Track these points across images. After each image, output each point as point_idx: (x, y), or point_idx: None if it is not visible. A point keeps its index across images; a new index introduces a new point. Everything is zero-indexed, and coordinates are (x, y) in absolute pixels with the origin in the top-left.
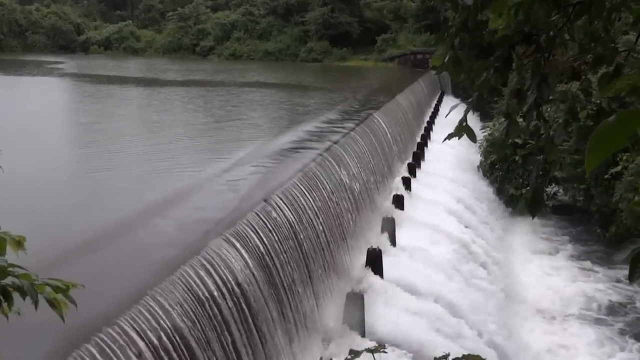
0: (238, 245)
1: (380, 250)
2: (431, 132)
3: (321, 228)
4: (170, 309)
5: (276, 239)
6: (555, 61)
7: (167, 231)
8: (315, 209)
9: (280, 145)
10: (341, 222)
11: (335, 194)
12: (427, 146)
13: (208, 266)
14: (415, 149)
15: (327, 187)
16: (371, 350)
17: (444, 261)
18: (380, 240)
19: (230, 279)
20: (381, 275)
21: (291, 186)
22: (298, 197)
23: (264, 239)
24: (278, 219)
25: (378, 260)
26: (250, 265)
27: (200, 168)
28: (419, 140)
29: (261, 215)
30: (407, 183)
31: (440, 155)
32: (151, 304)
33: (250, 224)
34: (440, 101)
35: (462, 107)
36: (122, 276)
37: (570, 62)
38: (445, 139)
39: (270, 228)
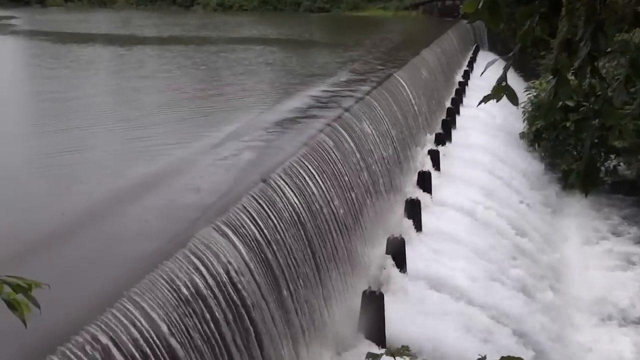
0: (231, 235)
1: (403, 240)
2: (464, 95)
3: (331, 213)
4: (150, 312)
5: (277, 226)
6: (613, 4)
7: (146, 220)
8: (324, 189)
9: (281, 114)
10: (356, 205)
11: (348, 172)
12: (458, 112)
13: (196, 261)
14: (444, 116)
15: (338, 163)
16: (393, 354)
17: (480, 251)
18: (402, 227)
19: (223, 276)
20: (404, 269)
21: (295, 163)
22: (303, 176)
23: (263, 227)
24: (279, 202)
25: (400, 252)
26: (247, 258)
27: (185, 144)
28: (449, 105)
29: (259, 199)
30: (435, 158)
31: (475, 122)
32: (128, 306)
33: (246, 209)
34: (474, 57)
35: (500, 64)
36: (94, 274)
37: (633, 5)
38: (480, 103)
39: (270, 214)
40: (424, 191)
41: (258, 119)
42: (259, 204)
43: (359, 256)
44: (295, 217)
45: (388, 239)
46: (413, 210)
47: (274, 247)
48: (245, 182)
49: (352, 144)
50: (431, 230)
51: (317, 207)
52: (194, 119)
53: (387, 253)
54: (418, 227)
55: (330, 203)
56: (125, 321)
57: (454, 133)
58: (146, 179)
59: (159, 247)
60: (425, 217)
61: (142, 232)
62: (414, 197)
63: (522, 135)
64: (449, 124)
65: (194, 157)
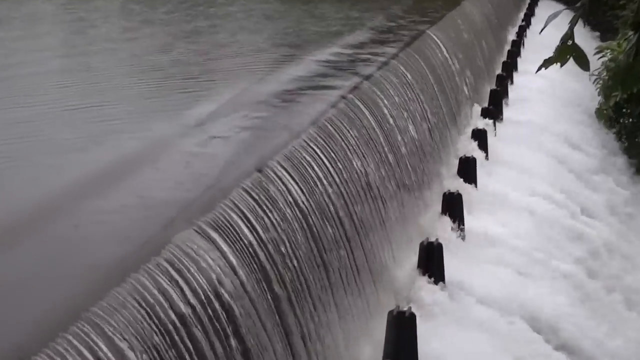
0: (218, 239)
1: (440, 245)
2: (518, 59)
3: (346, 211)
4: (115, 339)
5: (277, 227)
6: None
7: (111, 220)
8: (337, 181)
9: (281, 84)
10: (378, 202)
11: (368, 159)
12: (512, 81)
13: (173, 272)
14: (494, 85)
15: (355, 148)
16: None
17: (538, 261)
18: (439, 227)
19: (209, 293)
20: (439, 281)
21: (299, 147)
22: (310, 163)
23: (258, 229)
24: (279, 197)
25: (435, 259)
26: (238, 269)
27: (158, 123)
28: (499, 71)
29: (253, 193)
30: (481, 139)
31: (534, 93)
32: (87, 331)
33: (237, 206)
34: (532, 8)
35: (567, 16)
36: (45, 291)
37: None
38: (540, 68)
39: (268, 212)
40: (466, 182)
41: (251, 91)
42: (254, 199)
43: (382, 267)
44: (300, 216)
45: (420, 245)
46: (452, 207)
47: (273, 252)
48: (236, 171)
49: (373, 122)
50: (475, 234)
51: (328, 203)
52: (169, 92)
53: (418, 266)
54: (458, 227)
55: (345, 199)
56: (82, 349)
57: (506, 107)
58: (109, 169)
59: (125, 256)
60: (468, 217)
61: (104, 236)
62: (453, 190)
63: (598, 111)
64: (499, 95)
65: (170, 140)
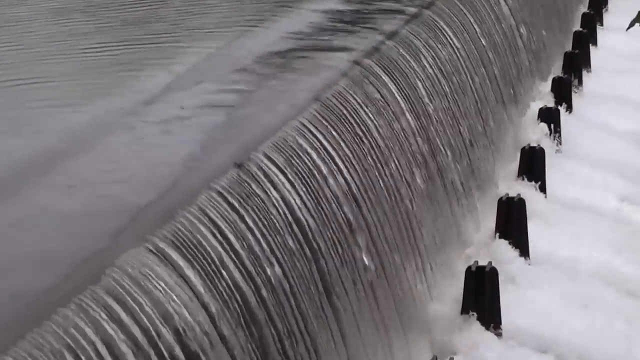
0: (180, 260)
1: (494, 271)
2: (604, 10)
3: (360, 221)
4: None
5: (263, 244)
6: None
7: (30, 236)
8: (348, 181)
9: (270, 44)
10: (404, 210)
11: (391, 151)
12: (595, 42)
13: (115, 306)
14: (569, 48)
15: (373, 134)
16: None
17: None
18: (493, 252)
19: (164, 333)
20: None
21: (294, 133)
22: (310, 156)
23: (237, 247)
24: (267, 203)
25: (486, 300)
26: (207, 301)
27: (95, 102)
28: (576, 28)
29: (229, 197)
30: (551, 122)
31: (627, 59)
32: None
33: (206, 215)
34: None
35: None
36: None
37: None
38: (633, 24)
39: (250, 223)
40: (531, 181)
41: (226, 54)
42: (231, 206)
43: (411, 300)
44: (295, 226)
45: (467, 271)
46: (511, 217)
47: (258, 282)
48: (205, 167)
49: (399, 98)
50: (544, 255)
51: (335, 212)
52: (114, 54)
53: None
54: (520, 248)
55: (359, 206)
56: None
57: (587, 77)
58: (31, 166)
59: (50, 285)
60: (533, 229)
61: (21, 258)
62: (513, 193)
63: None
64: (577, 60)
65: (112, 124)
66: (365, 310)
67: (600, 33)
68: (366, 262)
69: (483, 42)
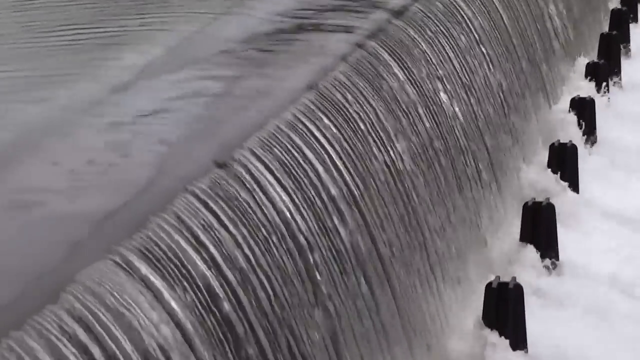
0: (152, 275)
1: (519, 287)
2: None
3: (364, 235)
4: None
5: (251, 259)
6: None
7: None
8: (349, 183)
9: (256, 23)
10: (417, 217)
11: (398, 147)
12: (637, 18)
13: (78, 330)
14: (605, 28)
15: (378, 128)
16: None
17: None
18: (517, 265)
19: (134, 355)
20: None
21: (286, 127)
22: (304, 154)
23: (219, 261)
24: (256, 209)
25: (510, 319)
26: (185, 325)
27: (55, 90)
28: (616, 4)
29: (210, 202)
30: (585, 114)
31: None
32: None
33: (183, 223)
34: None
35: None
36: None
37: None
38: None
39: (236, 234)
40: (563, 180)
41: (210, 35)
42: (212, 212)
43: (426, 331)
44: (286, 235)
45: (487, 289)
46: (540, 226)
47: (240, 296)
48: (182, 167)
49: (408, 86)
50: (576, 267)
51: (336, 221)
52: (79, 39)
53: (483, 317)
54: (550, 264)
55: (362, 214)
56: None
57: (626, 62)
58: None
59: (3, 303)
60: (564, 239)
61: None
62: (540, 197)
63: None
64: (615, 42)
65: (77, 115)
66: (367, 326)
67: None
68: (370, 277)
69: (506, 21)
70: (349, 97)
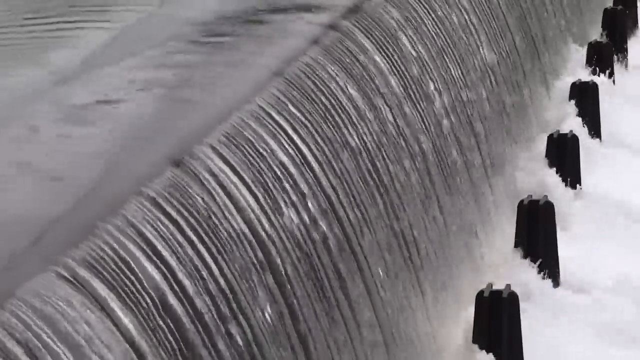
0: (100, 287)
1: (514, 296)
2: None
3: (335, 232)
4: None
5: (214, 273)
6: None
7: None
8: (324, 186)
9: (216, 4)
10: (400, 222)
11: (377, 138)
12: None
13: (17, 350)
14: (610, 3)
15: (355, 120)
16: None
17: None
18: (510, 272)
19: None
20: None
21: (251, 120)
22: (273, 150)
23: (179, 275)
24: (214, 210)
25: (504, 336)
26: (137, 337)
27: None
28: None
29: (166, 206)
30: (587, 101)
31: None
32: None
33: (137, 230)
34: None
35: None
36: None
37: None
38: None
39: (197, 242)
40: (561, 177)
41: (164, 16)
42: (167, 215)
43: (406, 329)
44: (253, 241)
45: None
46: (535, 225)
47: (202, 311)
48: (135, 166)
49: (387, 72)
50: (570, 281)
51: (303, 219)
52: (20, 24)
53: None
54: (547, 273)
55: (334, 211)
56: None
57: (633, 42)
58: None
59: None
60: (563, 242)
61: None
62: (537, 193)
63: None
64: (621, 20)
65: (15, 109)
66: (341, 340)
67: None
68: (350, 291)
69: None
70: (321, 84)
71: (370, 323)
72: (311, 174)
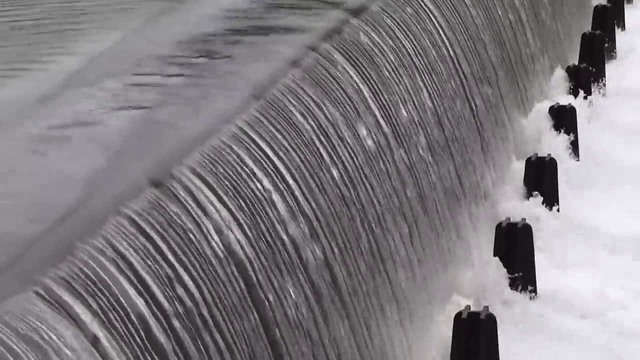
0: (79, 307)
1: (492, 319)
2: None
3: (315, 254)
4: None
5: (193, 293)
6: None
7: None
8: (305, 209)
9: (196, 24)
10: (369, 238)
11: (356, 163)
12: (622, 20)
13: None
14: (588, 27)
15: (334, 143)
16: None
17: None
18: (490, 296)
19: None
20: None
21: (230, 140)
22: (253, 172)
23: (159, 297)
24: (193, 231)
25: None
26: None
27: None
28: (601, 0)
29: (146, 226)
30: (566, 124)
31: None
32: None
33: (116, 250)
34: None
35: None
36: None
37: None
38: None
39: (175, 263)
40: (544, 203)
41: (144, 37)
42: (146, 235)
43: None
44: (231, 263)
45: (457, 316)
46: (512, 247)
47: (181, 334)
48: (114, 186)
49: (366, 94)
50: (552, 300)
51: (282, 240)
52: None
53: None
54: (525, 286)
55: (315, 233)
56: None
57: (611, 65)
58: None
59: None
60: (542, 264)
61: None
62: (515, 216)
63: None
64: (599, 44)
65: None
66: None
67: (629, 9)
68: (322, 300)
69: (477, 20)
70: (301, 107)
71: (346, 334)
72: (291, 196)
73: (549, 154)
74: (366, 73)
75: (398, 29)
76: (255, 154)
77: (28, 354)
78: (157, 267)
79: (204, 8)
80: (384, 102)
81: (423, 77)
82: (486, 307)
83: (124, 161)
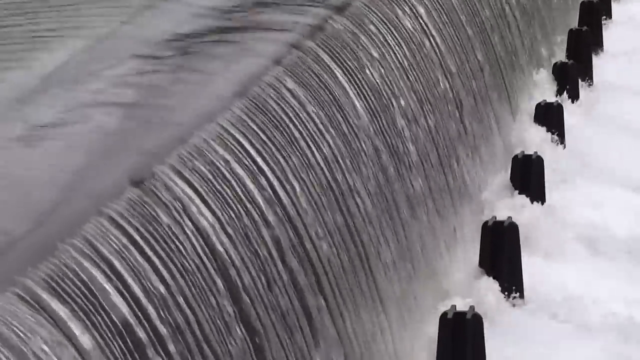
0: (60, 308)
1: (478, 320)
2: None
3: (299, 255)
4: None
5: (175, 295)
6: None
7: None
8: (287, 207)
9: (178, 22)
10: (354, 237)
11: (340, 161)
12: (609, 13)
13: None
14: (575, 24)
15: (319, 141)
16: None
17: None
18: (476, 296)
19: None
20: None
21: (213, 140)
22: (235, 172)
23: (140, 297)
24: (175, 231)
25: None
26: None
27: None
28: None
29: (127, 226)
30: (552, 123)
31: None
32: None
33: (96, 250)
34: None
35: None
36: None
37: None
38: None
39: (155, 257)
40: (525, 198)
41: (125, 35)
42: (127, 235)
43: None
44: (214, 263)
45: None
46: (499, 247)
47: (163, 334)
48: (95, 185)
49: (350, 91)
50: (540, 300)
51: (265, 241)
52: None
53: None
54: (509, 293)
55: (297, 232)
56: None
57: (598, 62)
58: None
59: None
60: (528, 264)
61: None
62: (500, 217)
63: None
64: (586, 40)
65: None
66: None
67: (616, 3)
68: (308, 300)
69: (462, 16)
70: (284, 105)
71: (333, 342)
72: (274, 195)
73: (536, 152)
74: (350, 71)
75: (382, 25)
76: (237, 152)
77: (7, 355)
78: (138, 267)
79: (186, 5)
80: (369, 100)
81: (408, 73)
82: (472, 307)
83: (104, 160)
